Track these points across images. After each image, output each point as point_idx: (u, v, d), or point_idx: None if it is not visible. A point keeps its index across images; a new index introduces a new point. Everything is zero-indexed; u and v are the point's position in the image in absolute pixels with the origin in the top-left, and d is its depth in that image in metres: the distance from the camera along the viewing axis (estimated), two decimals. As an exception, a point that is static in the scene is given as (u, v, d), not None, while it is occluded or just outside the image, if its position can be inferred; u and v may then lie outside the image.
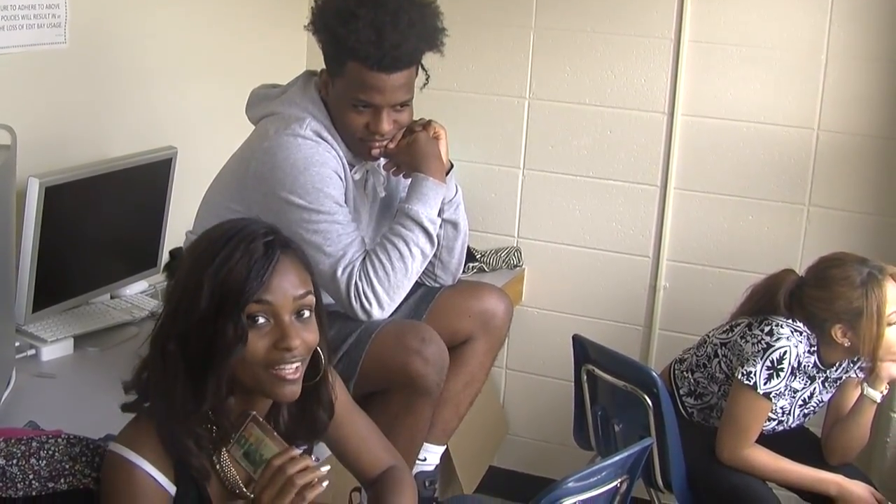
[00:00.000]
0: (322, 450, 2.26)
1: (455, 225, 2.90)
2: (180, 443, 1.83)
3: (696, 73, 3.82)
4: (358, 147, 2.75)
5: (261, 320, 1.83)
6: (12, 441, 1.94)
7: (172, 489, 1.86)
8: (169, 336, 1.83)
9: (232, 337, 1.80)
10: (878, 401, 3.05)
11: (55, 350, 2.89)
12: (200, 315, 1.79)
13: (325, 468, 1.82)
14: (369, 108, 2.68)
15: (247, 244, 1.82)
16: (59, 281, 2.90)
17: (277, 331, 1.84)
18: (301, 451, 1.91)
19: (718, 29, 3.77)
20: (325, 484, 1.81)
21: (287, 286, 1.85)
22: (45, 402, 2.59)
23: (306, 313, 1.89)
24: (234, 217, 2.59)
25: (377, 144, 2.74)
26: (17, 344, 2.78)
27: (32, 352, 2.87)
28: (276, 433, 1.88)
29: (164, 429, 1.84)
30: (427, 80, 2.80)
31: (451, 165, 2.89)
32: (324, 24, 2.70)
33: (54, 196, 2.77)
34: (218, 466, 1.91)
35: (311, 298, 1.90)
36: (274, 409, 1.97)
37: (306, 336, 1.88)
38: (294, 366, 1.87)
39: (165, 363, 1.83)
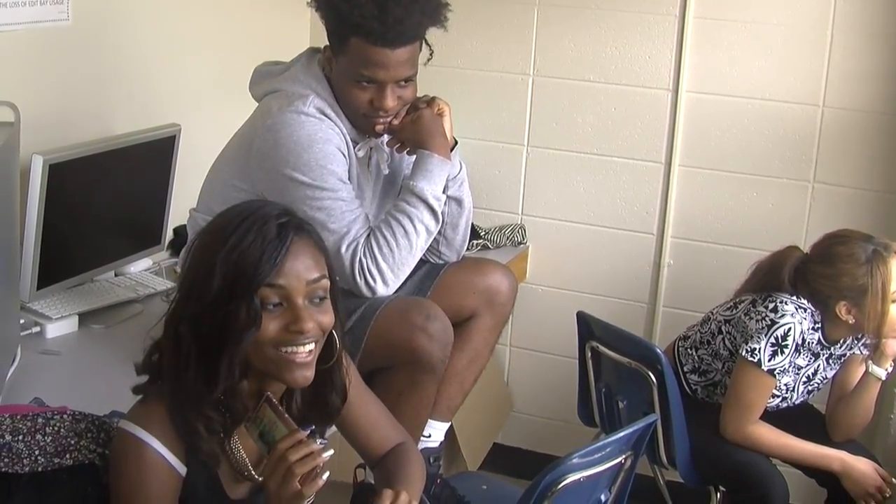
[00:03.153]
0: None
1: (459, 202, 2.90)
2: (191, 426, 1.82)
3: (701, 49, 3.81)
4: (362, 123, 2.75)
5: (273, 303, 1.82)
6: (18, 417, 1.94)
7: (183, 469, 1.85)
8: (181, 318, 1.82)
9: (244, 320, 1.79)
10: (884, 378, 3.06)
11: (60, 327, 2.90)
12: (213, 297, 1.78)
13: (328, 453, 1.81)
14: (373, 84, 2.67)
15: (260, 226, 1.81)
16: (64, 258, 2.91)
17: (290, 313, 1.83)
18: (308, 433, 1.90)
19: (723, 5, 3.76)
20: (324, 477, 1.79)
21: (300, 269, 1.84)
22: (50, 379, 2.59)
23: (320, 297, 1.88)
24: (238, 194, 2.62)
25: (381, 121, 2.73)
26: (21, 321, 2.78)
27: (37, 329, 2.87)
28: (287, 416, 1.86)
29: (174, 411, 1.83)
30: (431, 55, 2.79)
31: (456, 142, 2.89)
32: (326, 0, 2.69)
33: (58, 173, 2.77)
34: (228, 449, 1.91)
35: (326, 282, 1.88)
36: (287, 393, 1.96)
37: (321, 318, 1.87)
38: (307, 349, 1.86)
39: (177, 345, 1.82)
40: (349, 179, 2.71)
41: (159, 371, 1.88)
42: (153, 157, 3.19)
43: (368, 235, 2.65)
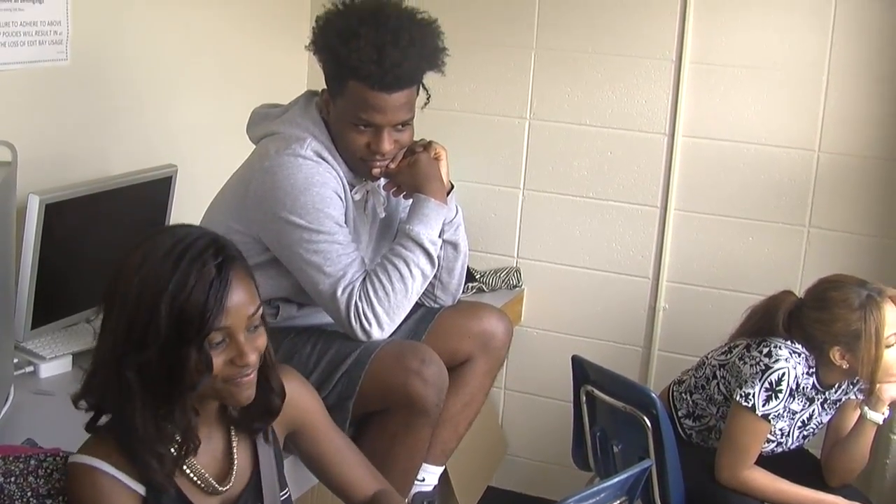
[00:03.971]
0: (308, 478, 2.27)
1: (455, 246, 2.90)
2: (144, 462, 1.82)
3: (697, 94, 3.83)
4: (359, 167, 2.75)
5: (218, 342, 1.81)
6: (10, 459, 1.93)
7: (142, 489, 1.84)
8: (126, 363, 1.78)
9: (197, 366, 1.78)
10: (879, 423, 3.05)
11: (54, 367, 2.88)
12: (161, 344, 1.76)
13: None
14: (370, 127, 2.68)
15: (199, 267, 1.78)
16: (59, 298, 2.90)
17: (233, 348, 1.83)
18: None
19: (720, 50, 3.78)
20: None
21: (241, 305, 1.83)
22: (43, 420, 2.58)
23: (256, 324, 1.88)
24: (234, 236, 2.59)
25: (378, 164, 2.74)
26: (15, 361, 2.77)
27: (31, 369, 2.86)
28: None
29: (125, 447, 1.83)
30: (428, 99, 2.80)
31: (452, 186, 2.89)
32: (325, 44, 2.70)
33: (54, 213, 2.77)
34: (187, 472, 1.90)
35: (261, 310, 1.89)
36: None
37: (259, 343, 1.88)
38: (250, 373, 1.88)
39: (124, 391, 1.79)
40: (346, 223, 2.72)
41: (103, 406, 1.86)
42: (150, 197, 3.19)
43: (364, 279, 2.64)
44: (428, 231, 2.72)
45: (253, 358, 1.85)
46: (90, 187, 2.95)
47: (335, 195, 2.68)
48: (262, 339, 1.90)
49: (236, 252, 1.87)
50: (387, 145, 2.69)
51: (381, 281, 2.64)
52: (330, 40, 2.68)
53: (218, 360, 1.82)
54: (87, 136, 3.19)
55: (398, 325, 2.71)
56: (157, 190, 3.20)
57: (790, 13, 3.69)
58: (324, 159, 2.70)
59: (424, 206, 2.75)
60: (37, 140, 2.92)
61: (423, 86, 2.76)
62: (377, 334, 2.65)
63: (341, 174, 2.73)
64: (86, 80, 3.14)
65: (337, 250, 2.63)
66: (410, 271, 2.67)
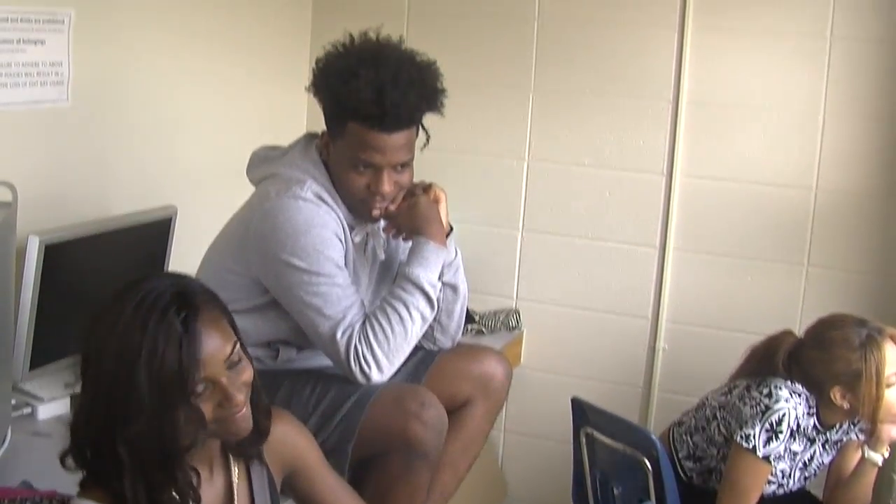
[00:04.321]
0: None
1: (454, 288, 2.90)
2: None
3: (695, 134, 3.85)
4: (359, 208, 2.76)
5: (201, 390, 1.79)
6: (6, 501, 1.92)
7: None
8: (115, 440, 1.74)
9: (189, 423, 1.77)
10: (880, 464, 3.03)
11: (52, 409, 2.88)
12: (148, 415, 1.73)
13: None
14: (370, 168, 2.68)
15: (166, 328, 1.74)
16: (58, 339, 2.89)
17: (219, 392, 1.81)
18: None
19: (716, 90, 3.80)
20: None
21: (216, 352, 1.81)
22: (40, 462, 2.56)
23: (236, 360, 1.85)
24: (233, 278, 2.61)
25: (378, 205, 2.74)
26: (13, 402, 2.76)
27: (28, 410, 2.85)
28: None
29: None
30: (427, 140, 2.81)
31: (451, 228, 2.90)
32: (324, 84, 2.71)
33: (54, 254, 2.77)
34: None
35: (238, 347, 1.86)
36: None
37: (245, 379, 1.86)
38: (243, 412, 1.87)
39: (116, 466, 1.75)
40: (345, 265, 2.72)
41: (96, 472, 1.82)
42: (149, 238, 3.20)
43: (364, 322, 2.64)
44: (427, 274, 2.72)
45: (241, 397, 1.83)
46: (90, 228, 2.96)
47: (335, 237, 2.68)
48: (247, 373, 1.87)
49: (202, 296, 1.84)
50: (387, 186, 2.70)
51: (380, 324, 2.64)
52: (329, 81, 2.69)
53: (207, 408, 1.80)
54: (88, 176, 3.20)
55: (398, 368, 2.70)
56: (157, 231, 3.20)
57: (786, 53, 3.71)
58: (324, 201, 2.70)
59: (424, 249, 2.75)
60: (37, 180, 2.93)
61: (423, 126, 2.77)
62: (377, 377, 2.64)
63: (341, 216, 2.74)
64: (86, 121, 3.16)
65: (337, 293, 2.63)
66: (410, 314, 2.67)
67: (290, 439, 2.12)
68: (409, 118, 2.68)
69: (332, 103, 2.70)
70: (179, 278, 1.87)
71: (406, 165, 2.74)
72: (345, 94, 2.63)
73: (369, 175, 2.69)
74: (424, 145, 2.81)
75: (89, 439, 1.79)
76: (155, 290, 1.79)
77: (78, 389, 1.84)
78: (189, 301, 1.80)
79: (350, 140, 2.67)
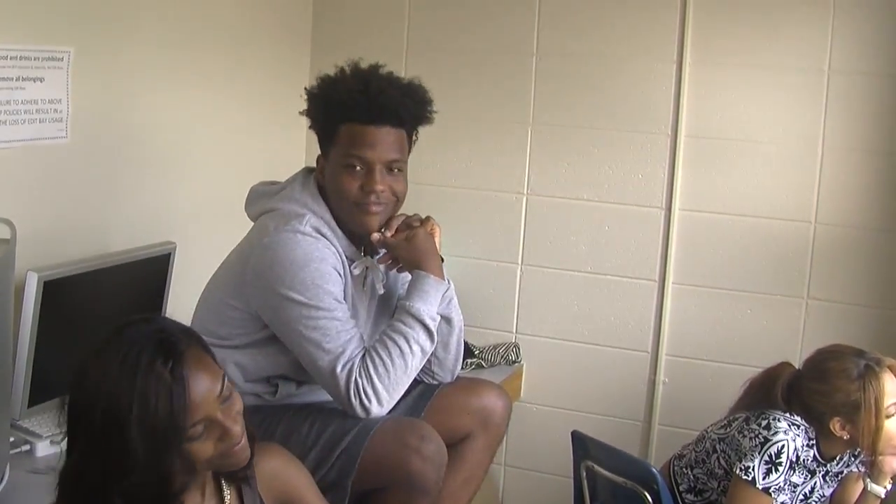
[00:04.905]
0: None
1: (449, 320, 2.89)
2: None
3: (694, 167, 3.86)
4: (354, 215, 2.75)
5: (199, 433, 1.79)
6: (4, 537, 1.92)
7: None
8: (110, 493, 1.73)
9: (182, 471, 1.77)
10: (883, 496, 3.03)
11: (50, 446, 2.86)
12: (141, 468, 1.72)
13: None
14: (363, 167, 2.70)
15: (154, 380, 1.73)
16: (57, 376, 2.87)
17: (217, 430, 1.81)
18: None
19: (715, 123, 3.82)
20: None
21: (207, 392, 1.80)
22: (38, 500, 2.55)
23: (227, 395, 1.85)
24: (233, 313, 2.61)
25: (374, 208, 2.74)
26: (11, 439, 2.75)
27: (27, 447, 2.84)
28: None
29: None
30: (416, 137, 2.85)
31: (442, 259, 2.90)
32: (316, 95, 2.79)
33: (53, 290, 2.77)
34: None
35: (226, 379, 1.86)
36: None
37: (237, 409, 1.87)
38: (242, 442, 1.87)
39: None
40: (344, 298, 2.72)
41: None
42: (148, 274, 3.20)
43: (364, 355, 2.64)
44: (427, 307, 2.72)
45: (238, 429, 1.84)
46: (89, 264, 2.96)
47: (334, 271, 2.69)
48: (238, 403, 1.88)
49: (184, 340, 1.82)
50: (379, 185, 2.71)
51: (380, 357, 2.64)
52: (320, 89, 2.78)
53: (206, 446, 1.81)
54: (86, 213, 3.20)
55: (397, 401, 2.70)
56: (156, 267, 3.21)
57: (784, 87, 3.73)
58: (323, 235, 2.71)
59: (424, 283, 2.75)
60: (36, 217, 2.94)
61: (415, 132, 2.83)
62: (376, 411, 2.63)
63: (340, 250, 2.74)
64: (85, 158, 3.16)
65: (336, 327, 2.63)
66: (410, 347, 2.67)
67: (283, 474, 2.11)
68: (395, 111, 2.72)
69: (324, 108, 2.76)
70: (157, 323, 1.86)
71: (399, 169, 2.76)
72: (331, 91, 2.73)
73: (361, 175, 2.71)
74: (412, 144, 2.84)
75: (81, 494, 1.78)
76: (137, 342, 1.78)
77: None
78: (173, 348, 1.79)
79: (342, 143, 2.72)
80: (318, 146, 2.82)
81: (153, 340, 1.79)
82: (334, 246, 2.72)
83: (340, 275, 2.71)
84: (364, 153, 2.70)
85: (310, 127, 2.86)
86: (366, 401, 2.62)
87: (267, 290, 2.65)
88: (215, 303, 2.78)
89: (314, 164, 2.87)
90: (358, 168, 2.71)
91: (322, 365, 2.62)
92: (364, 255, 2.83)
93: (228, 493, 1.99)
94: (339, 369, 2.61)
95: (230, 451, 1.84)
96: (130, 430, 1.71)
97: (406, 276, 2.88)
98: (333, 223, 2.75)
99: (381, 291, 2.90)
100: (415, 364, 2.69)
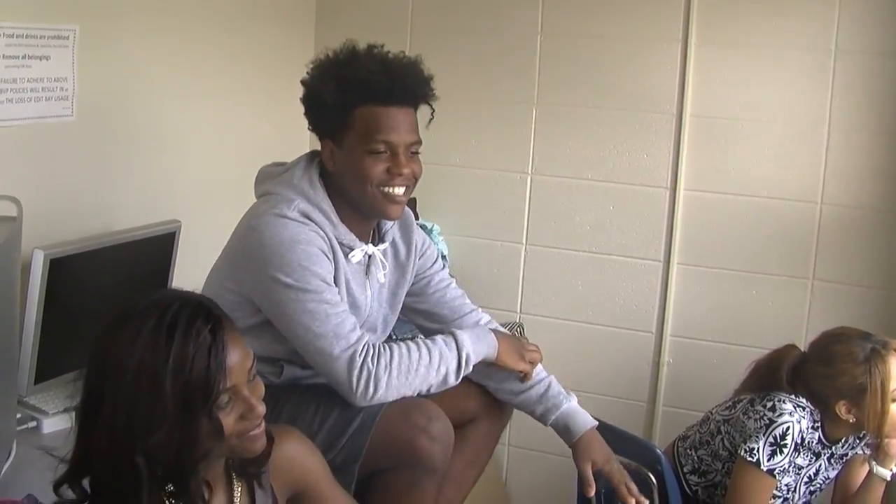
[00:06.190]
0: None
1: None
2: None
3: (699, 147, 3.85)
4: (378, 200, 2.69)
5: (226, 402, 1.79)
6: (11, 514, 1.92)
7: None
8: (134, 452, 1.71)
9: (209, 434, 1.75)
10: (888, 478, 3.03)
11: (57, 422, 2.88)
12: (170, 424, 1.71)
13: None
14: (387, 151, 2.65)
15: (195, 336, 1.74)
16: (62, 353, 2.90)
17: (241, 404, 1.81)
18: None
19: (720, 103, 3.81)
20: None
21: (240, 361, 1.81)
22: (44, 476, 2.55)
23: (255, 374, 1.86)
24: (229, 296, 2.59)
25: (400, 197, 2.69)
26: (18, 416, 2.76)
27: (34, 424, 2.85)
28: None
29: None
30: (432, 115, 2.78)
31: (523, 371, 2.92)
32: (326, 78, 2.69)
33: (58, 268, 2.78)
34: None
35: (254, 358, 1.87)
36: None
37: (260, 392, 1.87)
38: (262, 427, 1.87)
39: (130, 481, 1.72)
40: (337, 283, 2.68)
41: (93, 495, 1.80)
42: (153, 252, 3.21)
43: (389, 347, 2.61)
44: (474, 347, 2.72)
45: (261, 409, 1.83)
46: (94, 242, 2.96)
47: (321, 253, 2.63)
48: (261, 387, 1.88)
49: (221, 311, 1.84)
50: (406, 167, 2.67)
51: (409, 356, 2.61)
52: (331, 73, 2.69)
53: (229, 420, 1.80)
54: (92, 191, 3.20)
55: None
56: (161, 245, 3.21)
57: (790, 67, 3.72)
58: (312, 220, 2.65)
59: (486, 336, 2.77)
60: (42, 195, 2.93)
61: (430, 104, 2.76)
62: (375, 401, 2.59)
63: (332, 236, 2.69)
64: (91, 136, 3.16)
65: (325, 310, 2.57)
66: (438, 367, 2.64)
67: (299, 458, 2.11)
68: (413, 92, 2.69)
69: (338, 92, 2.66)
70: (191, 294, 1.86)
71: (416, 151, 2.72)
72: (350, 75, 2.63)
73: (386, 159, 2.66)
74: (430, 121, 2.78)
75: (101, 463, 1.76)
76: (174, 303, 1.78)
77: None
78: (213, 313, 1.80)
79: (361, 128, 2.64)
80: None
81: (194, 303, 1.80)
82: (323, 231, 2.68)
83: (329, 259, 2.68)
84: (389, 136, 2.64)
85: (306, 114, 2.79)
86: (371, 388, 2.56)
87: (256, 272, 2.61)
88: (215, 286, 2.75)
89: (318, 146, 2.83)
90: (383, 151, 2.67)
91: (315, 348, 2.56)
92: (363, 242, 2.79)
93: (239, 488, 1.99)
94: (337, 351, 2.56)
95: (249, 433, 1.83)
96: (164, 383, 1.70)
97: (436, 280, 2.96)
98: (331, 210, 2.70)
99: (382, 281, 2.87)
100: (431, 381, 2.64)
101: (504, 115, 4.09)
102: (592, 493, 2.84)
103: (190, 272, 3.11)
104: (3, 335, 2.38)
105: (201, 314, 1.77)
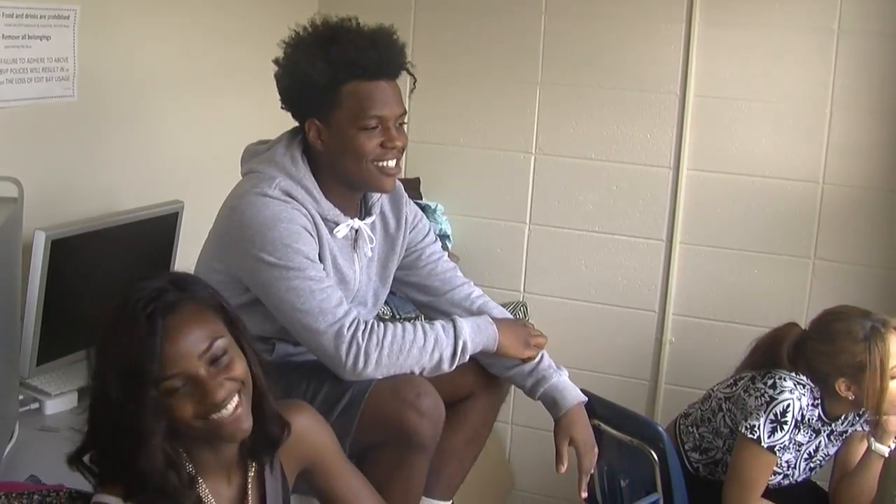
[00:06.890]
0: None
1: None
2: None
3: (702, 127, 3.85)
4: (372, 174, 2.68)
5: (178, 387, 1.79)
6: (14, 495, 1.93)
7: None
8: (100, 427, 1.81)
9: (151, 416, 1.76)
10: (886, 455, 3.04)
11: (59, 404, 2.89)
12: (115, 403, 1.75)
13: None
14: (378, 126, 2.64)
15: (130, 324, 1.76)
16: (64, 334, 2.91)
17: (198, 389, 1.80)
18: None
19: (723, 84, 3.80)
20: None
21: (187, 348, 1.79)
22: (47, 457, 2.56)
23: (219, 355, 1.83)
24: (217, 276, 2.58)
25: (394, 170, 2.69)
26: (20, 397, 2.77)
27: (36, 405, 2.87)
28: None
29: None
30: (414, 84, 2.79)
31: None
32: (309, 57, 2.65)
33: (60, 249, 2.78)
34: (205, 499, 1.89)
35: (222, 341, 1.84)
36: None
37: (232, 375, 1.84)
38: (231, 408, 1.83)
39: (103, 452, 1.82)
40: (323, 260, 2.67)
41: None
42: (156, 233, 3.21)
43: (384, 325, 2.60)
44: (473, 336, 2.69)
45: (222, 394, 1.81)
46: (96, 223, 2.97)
47: (304, 231, 2.61)
48: (237, 369, 1.85)
49: (186, 293, 1.84)
50: (398, 140, 2.66)
51: (403, 337, 2.59)
52: (314, 51, 2.64)
53: (184, 404, 1.79)
54: (94, 171, 3.20)
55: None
56: (164, 226, 3.22)
57: (793, 47, 3.71)
58: (293, 198, 2.64)
59: (487, 327, 2.74)
60: (43, 176, 2.94)
61: (410, 72, 2.75)
62: (364, 376, 2.57)
63: (315, 213, 2.68)
64: (92, 116, 3.16)
65: (309, 286, 2.56)
66: (433, 351, 2.62)
67: (310, 434, 2.10)
68: (398, 64, 2.69)
69: (325, 70, 2.62)
70: (172, 276, 1.88)
71: (403, 123, 2.71)
72: (336, 50, 2.61)
73: (379, 133, 2.65)
74: (412, 90, 2.78)
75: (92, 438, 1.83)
76: (139, 290, 1.81)
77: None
78: (161, 299, 1.80)
79: (351, 104, 2.63)
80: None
81: (153, 289, 1.81)
82: (306, 208, 2.66)
83: (312, 235, 2.67)
84: (382, 111, 2.63)
85: (285, 94, 2.74)
86: (361, 362, 2.54)
87: (240, 252, 2.59)
88: (204, 266, 2.74)
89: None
90: (375, 127, 2.66)
91: (301, 325, 2.54)
92: (348, 216, 2.76)
93: (252, 470, 1.99)
94: (324, 326, 2.55)
95: (216, 419, 1.82)
96: (105, 369, 1.77)
97: (428, 253, 2.93)
98: (313, 186, 2.68)
99: (369, 255, 2.86)
100: (423, 364, 2.62)
101: (508, 95, 4.08)
102: (563, 469, 2.81)
103: (193, 253, 3.10)
104: (4, 317, 2.39)
105: (147, 302, 1.78)
